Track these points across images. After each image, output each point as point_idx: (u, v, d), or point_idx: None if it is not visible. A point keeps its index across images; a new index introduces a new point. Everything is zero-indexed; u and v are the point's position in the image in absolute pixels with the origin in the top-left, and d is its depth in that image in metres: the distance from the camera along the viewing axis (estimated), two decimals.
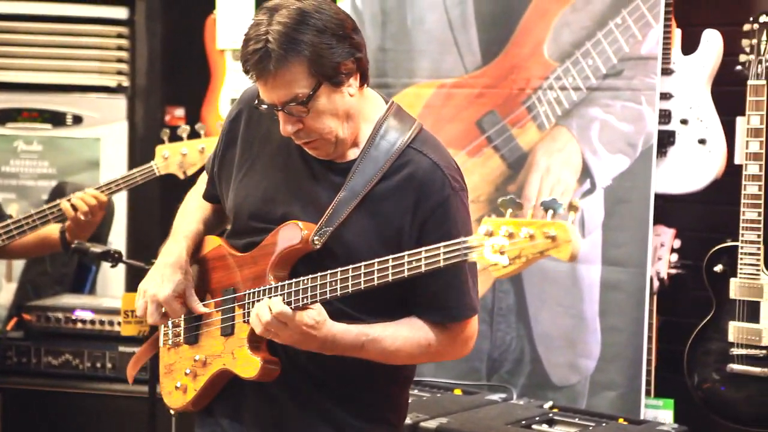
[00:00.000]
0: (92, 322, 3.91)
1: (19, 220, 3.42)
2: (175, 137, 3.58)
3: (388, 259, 2.06)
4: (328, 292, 2.12)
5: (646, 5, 3.43)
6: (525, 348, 3.68)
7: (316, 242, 2.20)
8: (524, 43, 3.64)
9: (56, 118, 4.96)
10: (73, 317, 3.91)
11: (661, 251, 3.67)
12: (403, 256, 2.04)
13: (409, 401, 2.45)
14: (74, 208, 3.42)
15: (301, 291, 2.15)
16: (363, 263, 2.09)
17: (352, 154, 2.25)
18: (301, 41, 2.11)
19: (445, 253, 1.99)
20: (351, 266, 2.10)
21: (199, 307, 2.37)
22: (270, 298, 2.18)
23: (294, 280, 2.17)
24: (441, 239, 2.06)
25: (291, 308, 2.13)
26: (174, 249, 2.40)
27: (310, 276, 2.14)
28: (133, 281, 4.66)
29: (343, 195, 2.20)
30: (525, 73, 3.65)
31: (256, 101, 2.22)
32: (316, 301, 2.14)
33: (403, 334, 2.21)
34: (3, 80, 4.94)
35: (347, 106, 2.20)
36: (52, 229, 3.50)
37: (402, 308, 2.23)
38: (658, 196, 3.53)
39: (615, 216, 3.52)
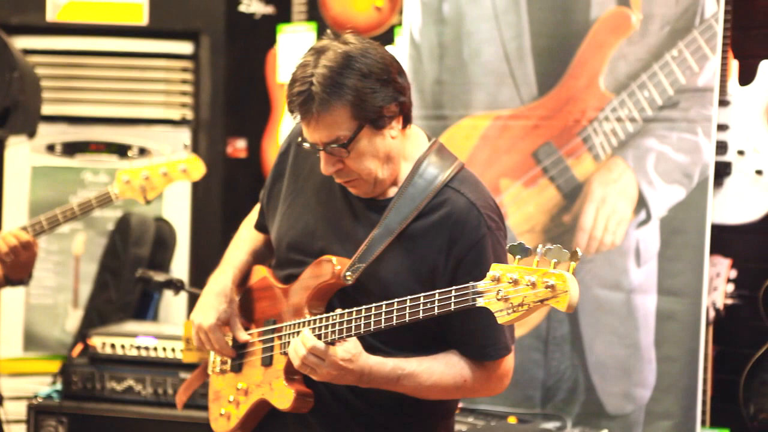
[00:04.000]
0: (155, 348, 3.91)
1: None
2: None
3: (405, 300, 2.06)
4: (358, 326, 2.12)
5: (704, 37, 3.38)
6: (579, 377, 3.62)
7: (348, 278, 2.19)
8: (580, 75, 3.60)
9: (122, 150, 5.01)
10: (136, 344, 3.92)
11: (717, 281, 3.60)
12: (419, 298, 2.04)
13: (464, 430, 2.41)
14: None
15: (332, 326, 2.15)
16: (384, 302, 2.08)
17: (392, 192, 2.24)
18: (345, 85, 2.11)
19: (455, 297, 1.99)
20: (374, 305, 2.10)
21: (242, 335, 2.38)
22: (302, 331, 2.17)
23: (327, 314, 2.17)
24: (474, 279, 2.06)
25: (324, 342, 2.13)
26: (221, 279, 2.42)
27: (343, 311, 2.14)
28: (194, 309, 4.68)
29: (377, 232, 2.19)
30: (581, 104, 3.61)
31: (300, 139, 2.22)
32: (350, 335, 2.13)
33: (438, 369, 2.19)
34: (72, 114, 5.02)
35: (388, 149, 2.19)
36: None
37: (434, 345, 2.21)
38: (714, 227, 3.46)
39: (671, 246, 3.45)
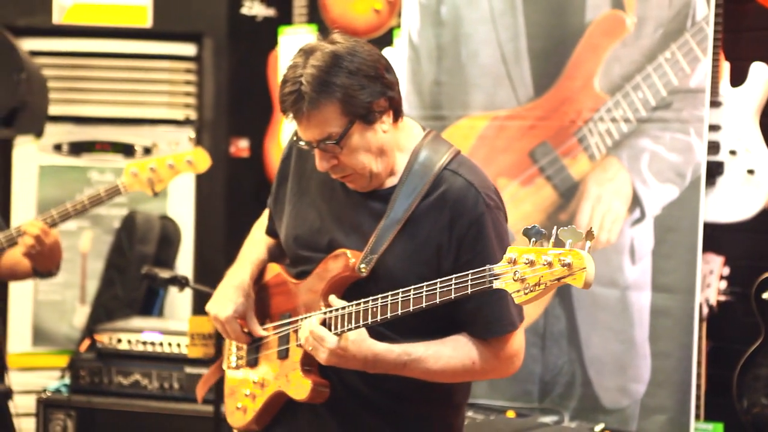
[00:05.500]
0: (160, 343, 3.94)
1: None
2: None
3: (422, 286, 2.07)
4: (375, 314, 2.14)
5: (695, 40, 3.39)
6: (576, 372, 3.64)
7: (363, 270, 2.22)
8: (576, 76, 3.62)
9: (127, 150, 5.02)
10: (143, 339, 3.95)
11: (711, 278, 3.62)
12: (435, 283, 2.06)
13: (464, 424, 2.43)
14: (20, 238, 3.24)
15: (348, 315, 2.17)
16: (400, 290, 2.10)
17: (390, 182, 2.26)
18: (333, 83, 2.13)
19: (472, 280, 2.01)
20: (390, 293, 2.12)
21: (258, 330, 2.40)
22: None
23: (342, 305, 2.19)
24: (477, 256, 2.11)
25: (336, 333, 2.16)
26: (239, 273, 2.45)
27: (359, 302, 2.16)
28: (199, 305, 4.70)
29: (384, 222, 2.21)
30: (576, 105, 3.63)
31: (295, 138, 2.26)
32: (366, 324, 2.15)
33: (446, 353, 2.20)
34: (78, 114, 5.02)
35: (380, 142, 2.21)
36: (23, 256, 3.35)
37: (440, 328, 2.22)
38: (707, 225, 3.48)
39: (664, 244, 3.48)
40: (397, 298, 2.11)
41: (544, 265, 1.88)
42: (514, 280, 1.92)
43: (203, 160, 3.42)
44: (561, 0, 3.65)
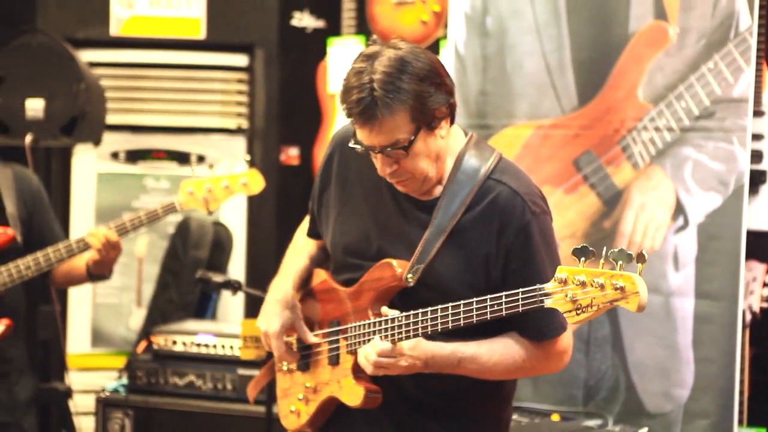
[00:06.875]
0: (214, 346, 3.98)
1: (47, 253, 3.38)
2: None
3: (472, 302, 2.09)
4: (425, 327, 2.16)
5: (739, 50, 3.38)
6: (620, 376, 3.64)
7: (410, 280, 2.23)
8: (619, 86, 3.62)
9: (182, 158, 5.09)
10: (197, 341, 4.00)
11: (753, 285, 3.60)
12: (486, 299, 2.07)
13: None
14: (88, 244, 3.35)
15: (398, 327, 2.20)
16: (450, 305, 2.12)
17: (437, 191, 2.26)
18: (404, 90, 2.12)
19: (523, 299, 2.02)
20: (440, 306, 2.13)
21: (310, 337, 2.42)
22: (371, 338, 2.23)
23: (393, 317, 2.21)
24: (525, 264, 2.12)
25: (392, 342, 2.18)
26: (281, 286, 2.45)
27: (406, 314, 2.19)
28: (250, 308, 4.74)
29: (430, 232, 2.22)
30: (620, 114, 3.62)
31: (353, 142, 2.22)
32: (412, 336, 2.18)
33: (498, 351, 2.21)
34: (134, 123, 5.09)
35: (438, 148, 2.22)
36: (80, 262, 3.48)
37: (489, 330, 2.22)
38: (750, 233, 3.46)
39: (708, 251, 3.46)
40: (447, 313, 2.13)
41: (596, 287, 1.88)
42: (566, 301, 1.93)
43: (257, 182, 3.49)
44: (605, 11, 3.65)
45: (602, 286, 1.88)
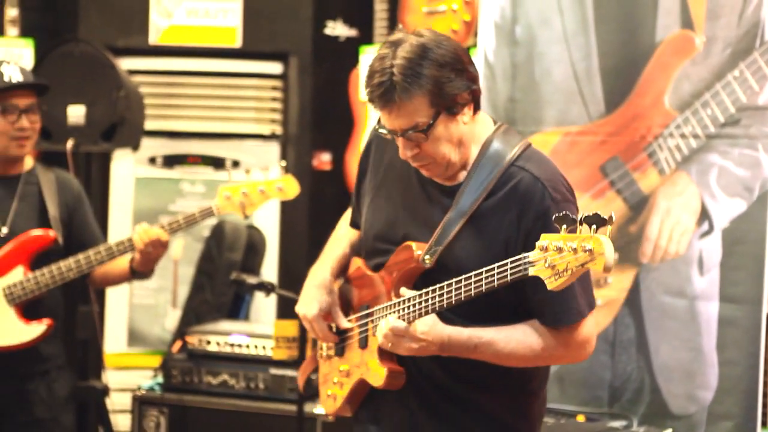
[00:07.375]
0: (247, 346, 4.03)
1: (88, 255, 3.46)
2: None
3: (471, 275, 2.13)
4: (433, 305, 2.20)
5: (764, 58, 3.41)
6: (645, 378, 3.67)
7: (427, 261, 2.26)
8: (646, 93, 3.66)
9: (217, 163, 5.12)
10: (230, 341, 4.04)
11: None
12: (481, 272, 2.11)
13: None
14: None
15: (410, 306, 2.24)
16: (454, 279, 2.15)
17: (462, 176, 2.29)
18: (423, 75, 2.16)
19: (511, 268, 2.05)
20: (446, 283, 2.17)
21: (342, 322, 2.48)
22: (388, 314, 2.28)
23: (405, 297, 2.26)
24: None
25: (407, 321, 2.22)
26: (320, 272, 2.51)
27: (419, 292, 2.23)
28: (283, 310, 4.79)
29: (450, 215, 2.25)
30: (647, 121, 3.66)
31: (377, 126, 2.28)
32: (428, 313, 2.21)
33: (516, 338, 2.22)
34: (172, 129, 5.13)
35: (460, 133, 2.25)
36: (121, 261, 3.57)
37: (508, 317, 2.25)
38: None
39: (732, 256, 3.49)
40: (452, 288, 2.16)
41: (570, 251, 1.91)
42: (546, 267, 1.95)
43: (293, 188, 3.55)
44: (632, 21, 3.69)
45: (575, 250, 1.90)
